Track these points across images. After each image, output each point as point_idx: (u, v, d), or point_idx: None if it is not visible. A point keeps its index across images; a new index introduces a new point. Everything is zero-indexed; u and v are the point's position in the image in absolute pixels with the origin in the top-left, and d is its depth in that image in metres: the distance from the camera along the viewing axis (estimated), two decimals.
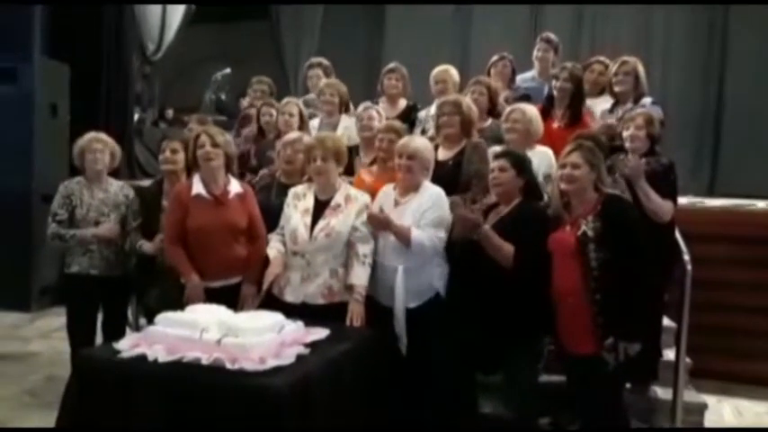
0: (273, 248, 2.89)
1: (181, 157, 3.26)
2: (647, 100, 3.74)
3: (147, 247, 3.20)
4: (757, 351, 4.15)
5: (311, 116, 4.20)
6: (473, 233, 2.71)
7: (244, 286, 2.90)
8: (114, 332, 3.27)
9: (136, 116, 7.15)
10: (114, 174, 3.59)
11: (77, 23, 5.97)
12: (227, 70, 7.62)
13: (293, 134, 3.39)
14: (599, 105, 3.94)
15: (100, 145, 3.38)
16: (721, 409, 3.75)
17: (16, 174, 5.43)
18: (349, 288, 2.78)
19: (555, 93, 3.78)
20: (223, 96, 7.71)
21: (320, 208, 2.88)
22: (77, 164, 3.43)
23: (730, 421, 3.64)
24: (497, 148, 3.19)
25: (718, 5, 6.89)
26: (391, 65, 4.40)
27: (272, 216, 3.03)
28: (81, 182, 3.39)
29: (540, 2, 7.47)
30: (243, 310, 2.66)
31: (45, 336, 4.83)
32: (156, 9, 7.10)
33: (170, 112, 8.55)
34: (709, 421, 3.38)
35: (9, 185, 5.43)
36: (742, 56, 6.79)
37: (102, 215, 3.34)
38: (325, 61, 4.75)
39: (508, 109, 3.43)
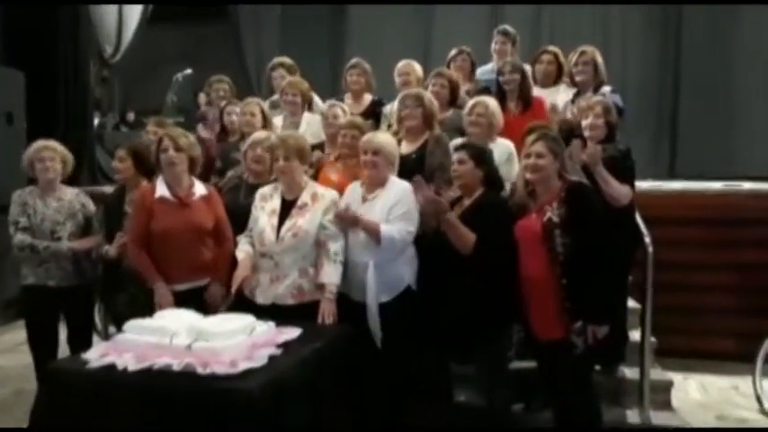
0: (242, 251, 2.87)
1: (128, 164, 3.22)
2: (606, 89, 3.82)
3: (111, 251, 3.14)
4: (719, 328, 4.28)
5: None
6: (439, 216, 2.74)
7: (211, 287, 2.89)
8: (80, 344, 3.20)
9: (96, 121, 7.00)
10: (75, 180, 3.51)
11: (31, 28, 5.81)
12: (189, 71, 7.49)
13: (261, 133, 3.35)
14: (558, 95, 4.00)
15: (49, 153, 3.27)
16: (687, 385, 3.86)
17: None
18: (320, 287, 2.78)
19: (505, 87, 3.89)
20: (178, 98, 7.58)
21: (287, 208, 2.86)
22: (28, 174, 3.32)
23: (696, 397, 3.75)
24: (458, 141, 3.23)
25: None
26: (353, 61, 4.40)
27: (242, 217, 3.00)
28: (34, 191, 3.29)
29: (500, 2, 7.57)
30: (212, 311, 2.65)
31: (12, 350, 4.72)
32: (112, 10, 6.93)
33: (131, 116, 8.38)
34: (675, 398, 3.48)
35: None
36: (696, 43, 6.99)
37: (57, 224, 3.25)
38: (288, 60, 4.70)
39: (471, 102, 3.46)
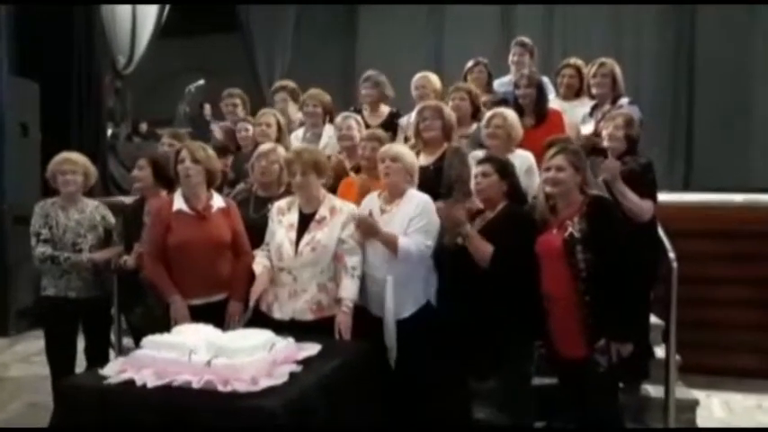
0: (259, 264, 2.83)
1: (147, 173, 3.22)
2: (624, 100, 3.79)
3: (129, 262, 3.12)
4: (743, 344, 4.19)
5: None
6: (458, 230, 2.71)
7: (230, 304, 2.84)
8: (98, 356, 3.22)
9: (109, 131, 7.03)
10: (89, 191, 3.50)
11: (46, 40, 5.85)
12: (201, 82, 7.54)
13: (266, 145, 3.33)
14: (578, 109, 3.96)
15: (70, 166, 3.27)
16: (710, 403, 3.77)
17: None
18: (338, 301, 2.74)
19: (520, 100, 3.83)
20: (190, 108, 7.62)
21: (305, 222, 2.82)
22: (53, 185, 3.32)
23: (720, 417, 3.66)
24: (479, 153, 3.19)
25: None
26: (365, 74, 4.36)
27: (252, 231, 2.97)
28: (56, 203, 3.29)
29: (510, 2, 7.55)
30: (230, 329, 2.61)
31: (24, 360, 4.69)
32: (125, 22, 6.99)
33: (143, 126, 8.42)
34: (700, 417, 3.39)
35: None
36: (710, 53, 6.96)
37: (78, 236, 3.25)
38: (291, 84, 4.63)
39: (489, 114, 3.43)
